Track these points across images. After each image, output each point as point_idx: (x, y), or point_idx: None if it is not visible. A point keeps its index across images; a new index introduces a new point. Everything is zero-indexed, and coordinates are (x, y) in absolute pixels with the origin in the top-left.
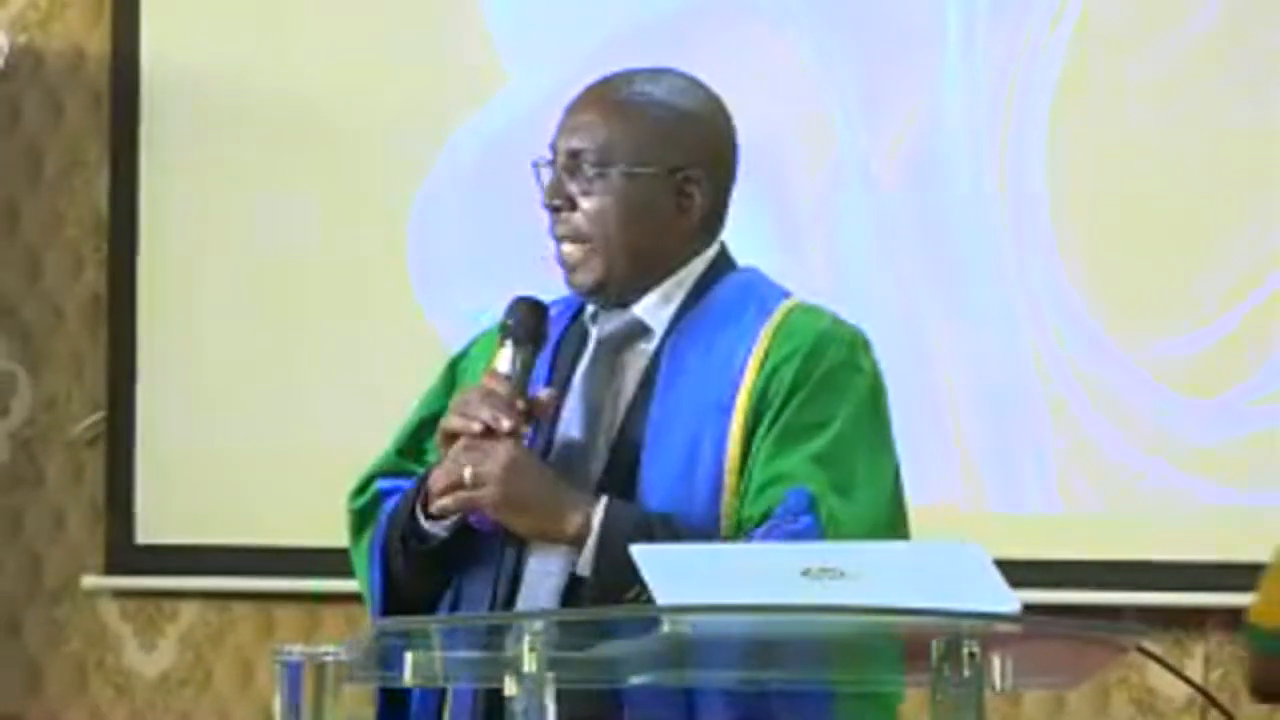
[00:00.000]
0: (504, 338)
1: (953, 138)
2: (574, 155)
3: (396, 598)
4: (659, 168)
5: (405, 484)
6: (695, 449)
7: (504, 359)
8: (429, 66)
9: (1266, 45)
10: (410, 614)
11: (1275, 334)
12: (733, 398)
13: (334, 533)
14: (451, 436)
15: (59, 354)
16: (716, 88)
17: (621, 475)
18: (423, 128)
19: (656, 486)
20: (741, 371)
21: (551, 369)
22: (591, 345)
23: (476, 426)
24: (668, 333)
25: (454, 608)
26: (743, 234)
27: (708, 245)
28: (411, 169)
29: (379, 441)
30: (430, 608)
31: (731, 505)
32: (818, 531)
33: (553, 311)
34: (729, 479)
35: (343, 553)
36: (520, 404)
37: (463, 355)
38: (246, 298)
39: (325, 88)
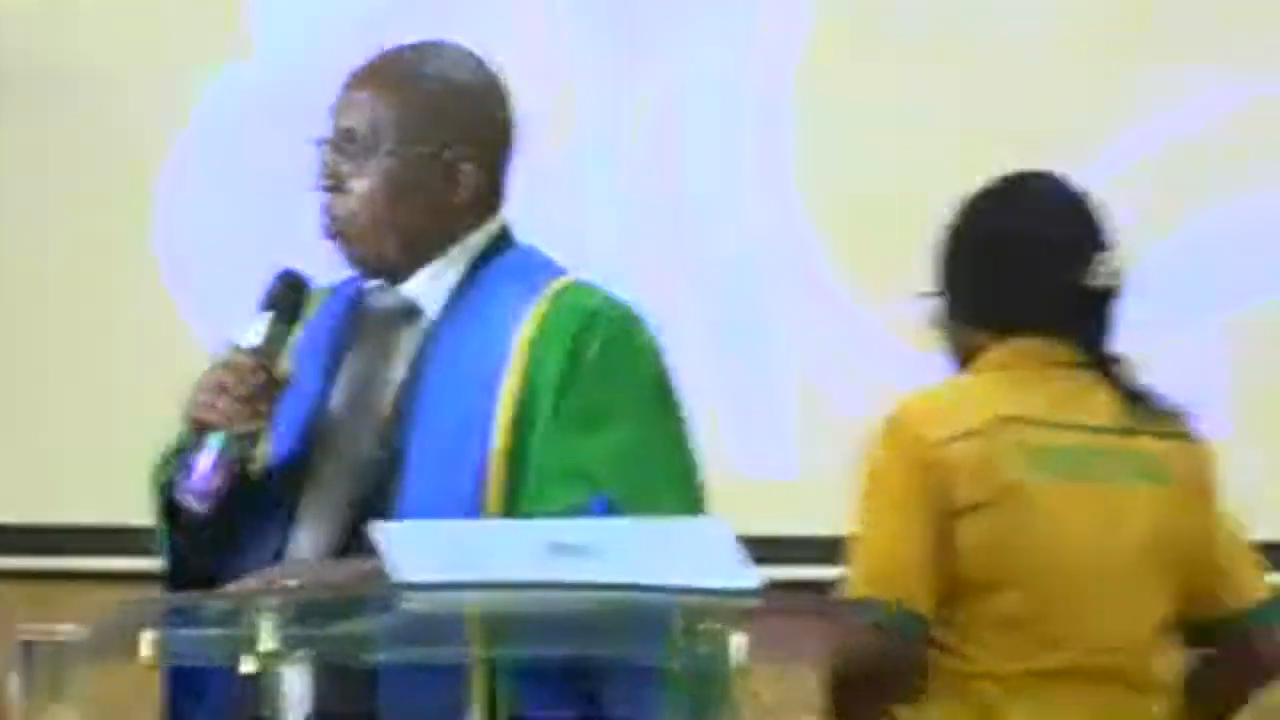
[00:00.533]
0: (263, 310)
1: (702, 107)
2: (346, 135)
3: (185, 574)
4: (427, 146)
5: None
6: (463, 431)
7: (254, 331)
8: (176, 34)
9: (1007, 26)
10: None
11: None
12: (499, 378)
13: (64, 511)
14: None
15: None
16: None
17: (389, 456)
18: (169, 98)
19: (423, 468)
20: (508, 351)
21: (331, 349)
22: (367, 332)
23: (214, 417)
24: (441, 312)
25: None
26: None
27: (483, 222)
28: (156, 140)
29: (115, 412)
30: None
31: (496, 490)
32: None
33: (322, 289)
34: (495, 462)
35: (79, 531)
36: (260, 377)
37: None
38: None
39: (67, 52)
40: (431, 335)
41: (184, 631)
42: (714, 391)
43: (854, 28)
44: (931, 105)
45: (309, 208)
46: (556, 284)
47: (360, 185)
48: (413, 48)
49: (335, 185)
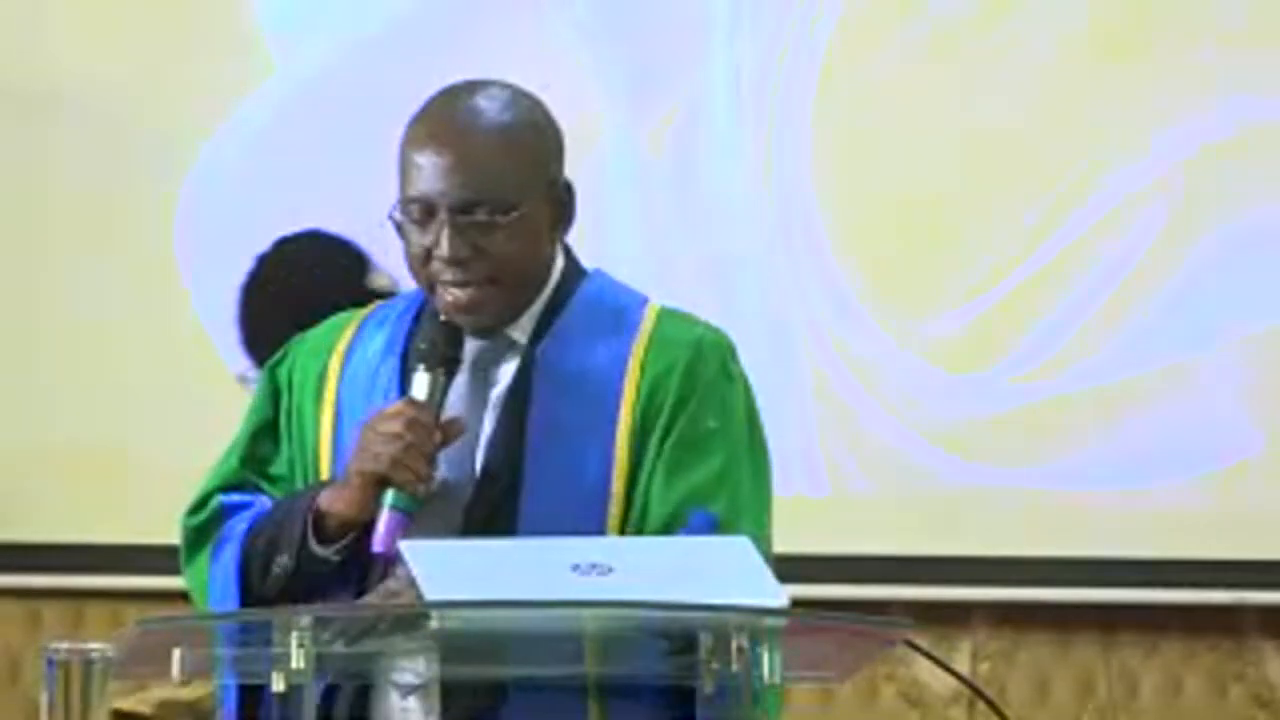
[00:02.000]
0: (418, 362)
1: (720, 123)
2: (473, 206)
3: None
4: (539, 190)
5: (251, 498)
6: (579, 462)
7: (419, 385)
8: (194, 57)
9: (1022, 31)
10: None
11: (1037, 311)
12: (615, 410)
13: (98, 528)
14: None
15: None
16: (483, 75)
17: (501, 489)
18: (188, 120)
19: (541, 491)
20: (620, 383)
21: (401, 380)
22: (466, 367)
23: (406, 477)
24: (532, 341)
25: None
26: None
27: (557, 244)
28: (177, 162)
29: (141, 437)
30: None
31: (616, 518)
32: None
33: (345, 318)
34: (616, 487)
35: (108, 549)
36: (439, 438)
37: (281, 361)
38: (7, 292)
39: (87, 78)
40: (530, 360)
41: (214, 650)
42: None
43: (871, 40)
44: (955, 122)
45: (325, 221)
46: (652, 311)
47: (498, 249)
48: (469, 97)
49: (472, 256)
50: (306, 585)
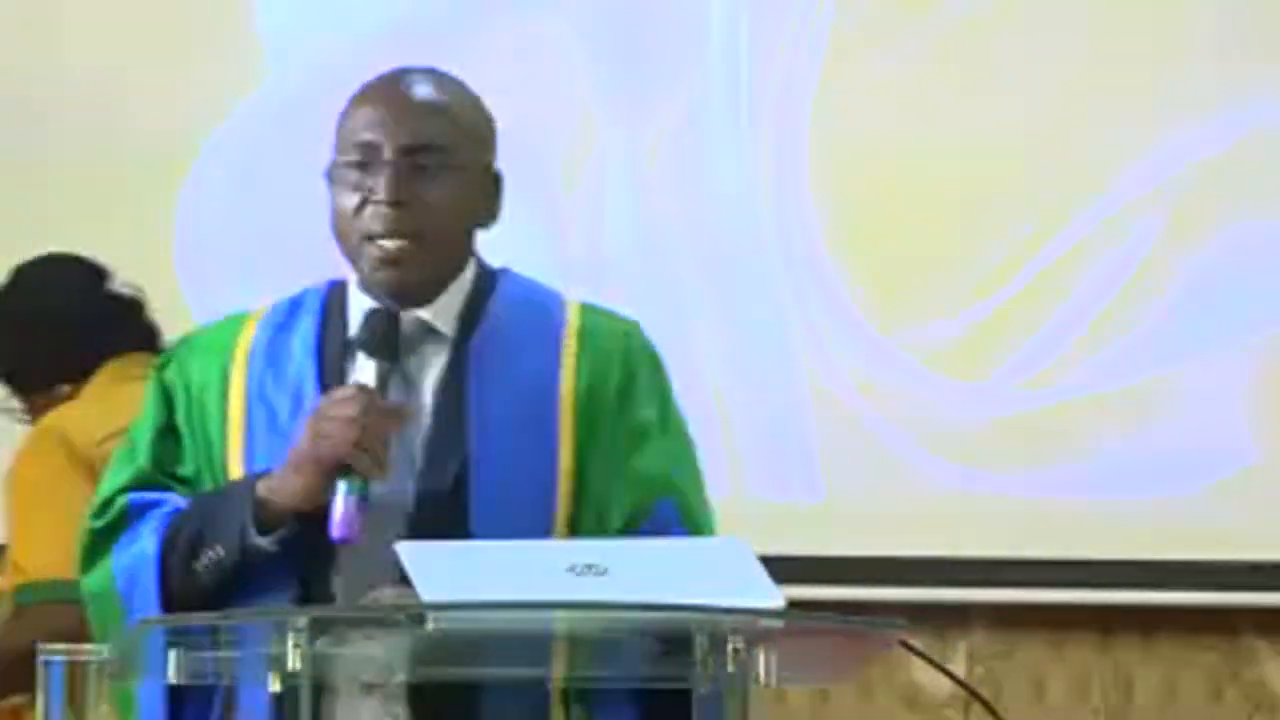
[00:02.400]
0: (359, 350)
1: (717, 131)
2: (420, 150)
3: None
4: (477, 163)
5: (161, 496)
6: (523, 462)
7: (366, 372)
8: (191, 59)
9: (1023, 35)
10: None
11: (1037, 317)
12: (553, 407)
13: None
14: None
15: None
16: (479, 82)
17: (447, 491)
18: (185, 122)
19: (489, 492)
20: (555, 379)
21: (329, 377)
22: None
23: (367, 465)
24: (462, 337)
25: None
26: (506, 232)
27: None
28: (174, 165)
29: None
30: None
31: (563, 519)
32: None
33: (245, 315)
34: (562, 486)
35: None
36: (396, 423)
37: (167, 365)
38: None
39: (84, 80)
40: (462, 356)
41: (209, 652)
42: (738, 416)
43: (870, 44)
44: (955, 129)
45: (324, 221)
46: (574, 306)
47: (438, 201)
48: (422, 70)
49: (408, 200)
50: (239, 578)
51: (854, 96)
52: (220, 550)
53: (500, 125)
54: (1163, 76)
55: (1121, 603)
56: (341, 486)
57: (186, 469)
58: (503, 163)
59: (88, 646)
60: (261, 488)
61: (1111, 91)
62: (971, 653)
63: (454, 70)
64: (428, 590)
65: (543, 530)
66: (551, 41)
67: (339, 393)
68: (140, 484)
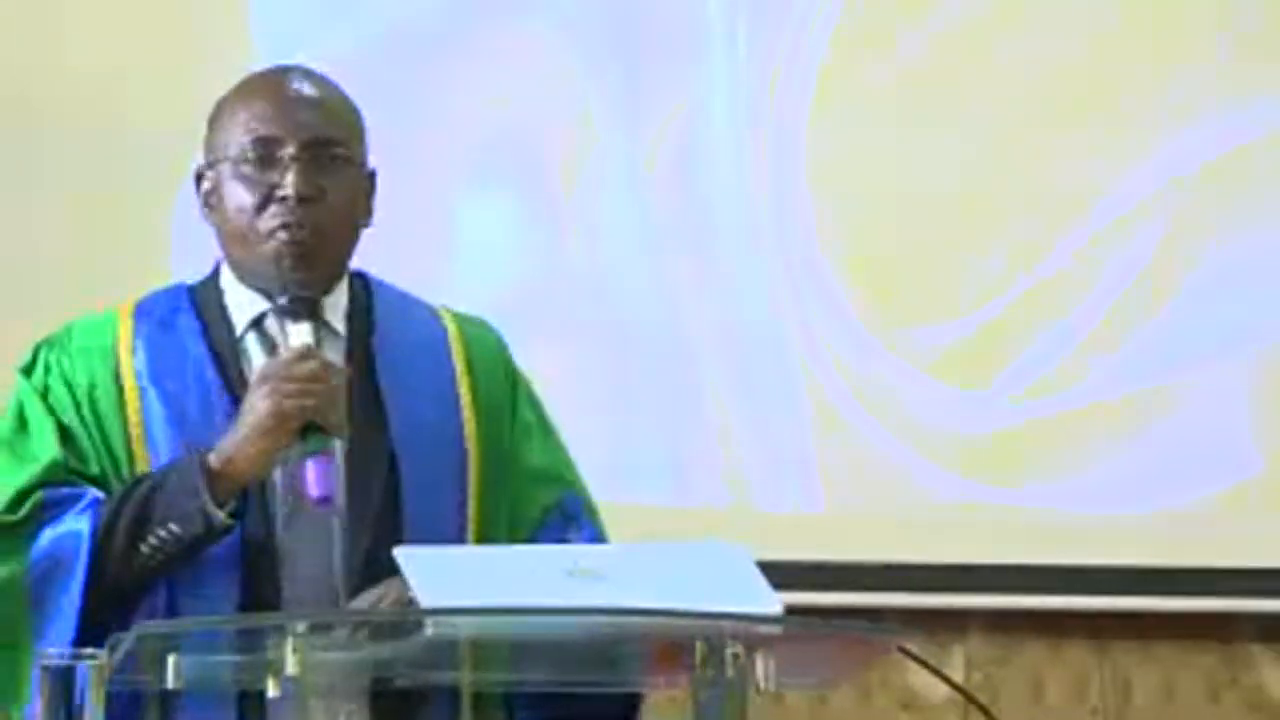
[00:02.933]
0: (284, 317)
1: (715, 136)
2: (322, 144)
3: (98, 598)
4: (362, 159)
5: (80, 490)
6: (442, 463)
7: (303, 334)
8: (185, 60)
9: (1023, 38)
10: (109, 614)
11: (1035, 327)
12: (456, 408)
13: None
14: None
15: None
16: (477, 86)
17: (383, 492)
18: (180, 123)
19: (420, 502)
20: (451, 381)
21: (229, 376)
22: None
23: (335, 421)
24: (355, 336)
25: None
26: (503, 231)
27: None
28: (170, 165)
29: None
30: (130, 612)
31: (475, 519)
32: (602, 538)
33: (105, 316)
34: (473, 487)
35: None
36: (344, 380)
37: (33, 366)
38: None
39: (79, 80)
40: (367, 354)
41: (208, 657)
42: (737, 426)
43: (868, 51)
44: (954, 135)
45: None
46: (443, 310)
47: (338, 197)
48: (301, 66)
49: (316, 195)
50: (187, 556)
51: (852, 101)
52: (175, 528)
53: (499, 127)
54: (1162, 83)
55: (1119, 609)
56: (309, 445)
57: (91, 468)
58: (502, 164)
59: (87, 651)
60: (214, 460)
61: (1111, 98)
62: (969, 658)
63: (453, 72)
64: (427, 595)
65: (459, 529)
66: (550, 44)
67: (291, 354)
68: (53, 479)
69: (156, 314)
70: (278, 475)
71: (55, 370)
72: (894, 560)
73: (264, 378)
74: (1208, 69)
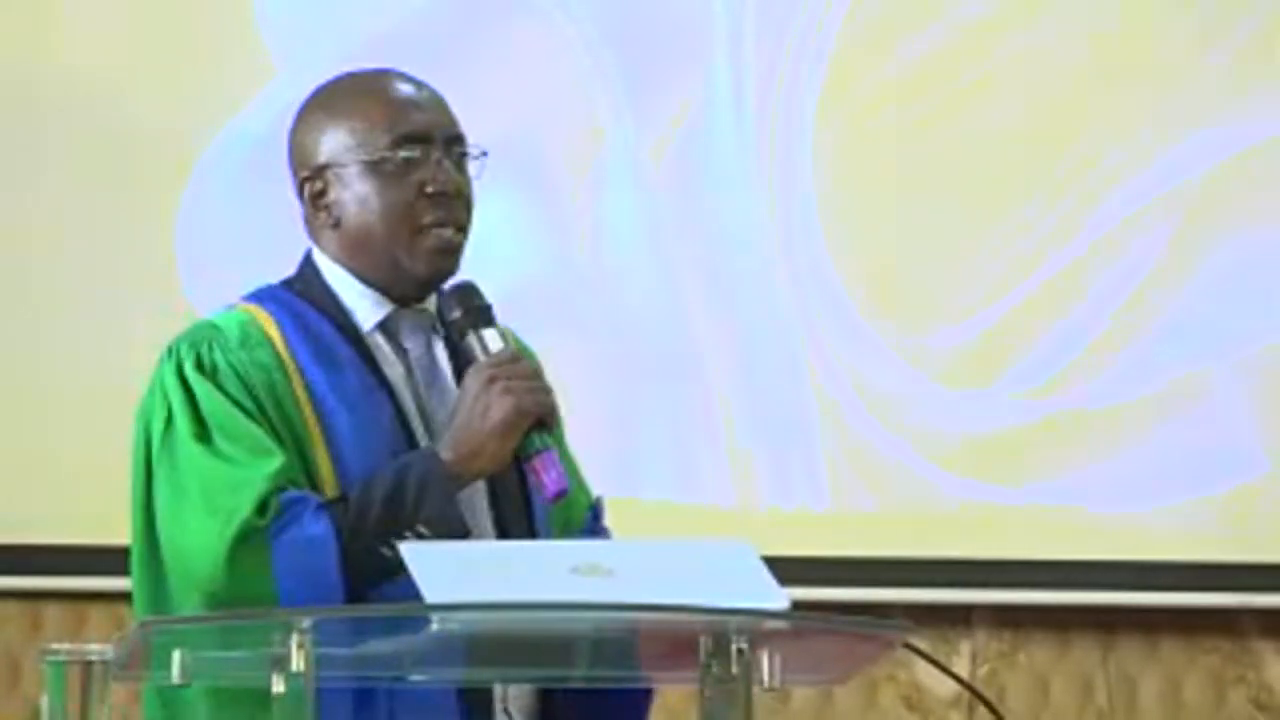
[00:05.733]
0: (469, 327)
1: (720, 136)
2: (459, 141)
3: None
4: None
5: (302, 493)
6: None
7: (495, 340)
8: (196, 61)
9: (1032, 34)
10: None
11: (1038, 327)
12: None
13: (101, 530)
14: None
15: None
16: (484, 84)
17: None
18: (190, 124)
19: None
20: None
21: (359, 356)
22: (385, 337)
23: (558, 415)
24: (449, 322)
25: None
26: (510, 233)
27: None
28: (179, 165)
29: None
30: None
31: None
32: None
33: (235, 315)
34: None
35: (109, 551)
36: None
37: (204, 360)
38: (8, 292)
39: (91, 81)
40: (465, 341)
41: (214, 652)
42: (742, 424)
43: (874, 50)
44: (961, 135)
45: None
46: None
47: (469, 190)
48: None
49: (466, 190)
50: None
51: (859, 99)
52: (425, 531)
53: (505, 126)
54: (1171, 83)
55: (1125, 604)
56: (535, 441)
57: (294, 467)
58: (509, 163)
59: (92, 646)
60: (451, 459)
61: (1117, 99)
62: (975, 654)
63: (460, 71)
64: (432, 591)
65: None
66: (557, 42)
67: (506, 354)
68: (283, 483)
69: (283, 309)
70: None
71: (226, 369)
72: (899, 555)
73: (491, 378)
74: (1215, 71)
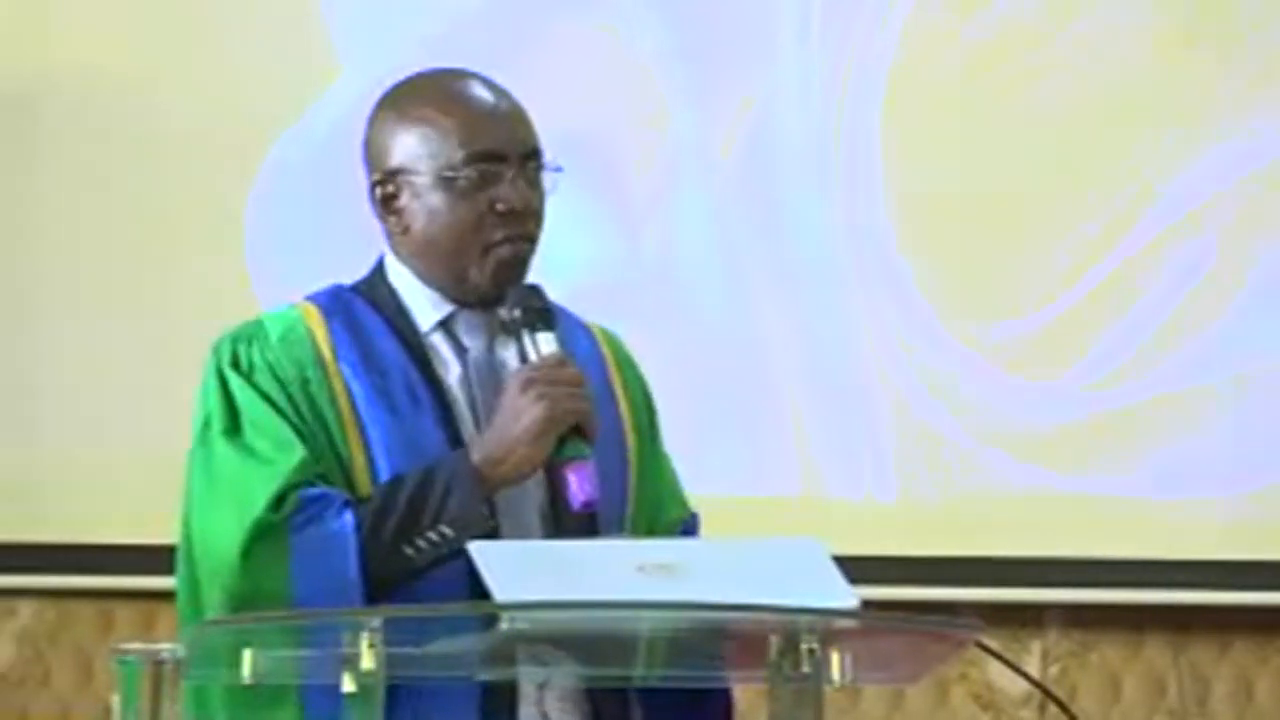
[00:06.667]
0: (530, 327)
1: (789, 126)
2: (534, 156)
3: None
4: None
5: (325, 490)
6: (610, 457)
7: (548, 343)
8: (263, 59)
9: (1096, 24)
10: None
11: (1107, 317)
12: (614, 406)
13: (172, 530)
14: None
15: None
16: (551, 77)
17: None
18: (258, 121)
19: (603, 484)
20: (605, 378)
21: (415, 361)
22: (502, 345)
23: (598, 423)
24: (531, 327)
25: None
26: (578, 228)
27: None
28: (247, 163)
29: None
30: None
31: (631, 516)
32: None
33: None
34: (632, 482)
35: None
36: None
37: (241, 361)
38: (80, 292)
39: (158, 80)
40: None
41: (285, 651)
42: (810, 415)
43: (939, 42)
44: (1024, 130)
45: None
46: (595, 328)
47: (540, 205)
48: (470, 70)
49: (536, 207)
50: (454, 558)
51: (924, 95)
52: (448, 531)
53: (571, 121)
54: (1231, 76)
55: (1197, 603)
56: (568, 450)
57: (321, 463)
58: (575, 159)
59: (163, 645)
60: (480, 462)
61: (1180, 92)
62: (1046, 653)
63: (525, 68)
64: (501, 590)
65: (620, 528)
66: (624, 38)
67: (551, 359)
68: (303, 478)
69: (338, 309)
70: None
71: (262, 365)
72: (970, 554)
73: (528, 382)
74: (1275, 59)
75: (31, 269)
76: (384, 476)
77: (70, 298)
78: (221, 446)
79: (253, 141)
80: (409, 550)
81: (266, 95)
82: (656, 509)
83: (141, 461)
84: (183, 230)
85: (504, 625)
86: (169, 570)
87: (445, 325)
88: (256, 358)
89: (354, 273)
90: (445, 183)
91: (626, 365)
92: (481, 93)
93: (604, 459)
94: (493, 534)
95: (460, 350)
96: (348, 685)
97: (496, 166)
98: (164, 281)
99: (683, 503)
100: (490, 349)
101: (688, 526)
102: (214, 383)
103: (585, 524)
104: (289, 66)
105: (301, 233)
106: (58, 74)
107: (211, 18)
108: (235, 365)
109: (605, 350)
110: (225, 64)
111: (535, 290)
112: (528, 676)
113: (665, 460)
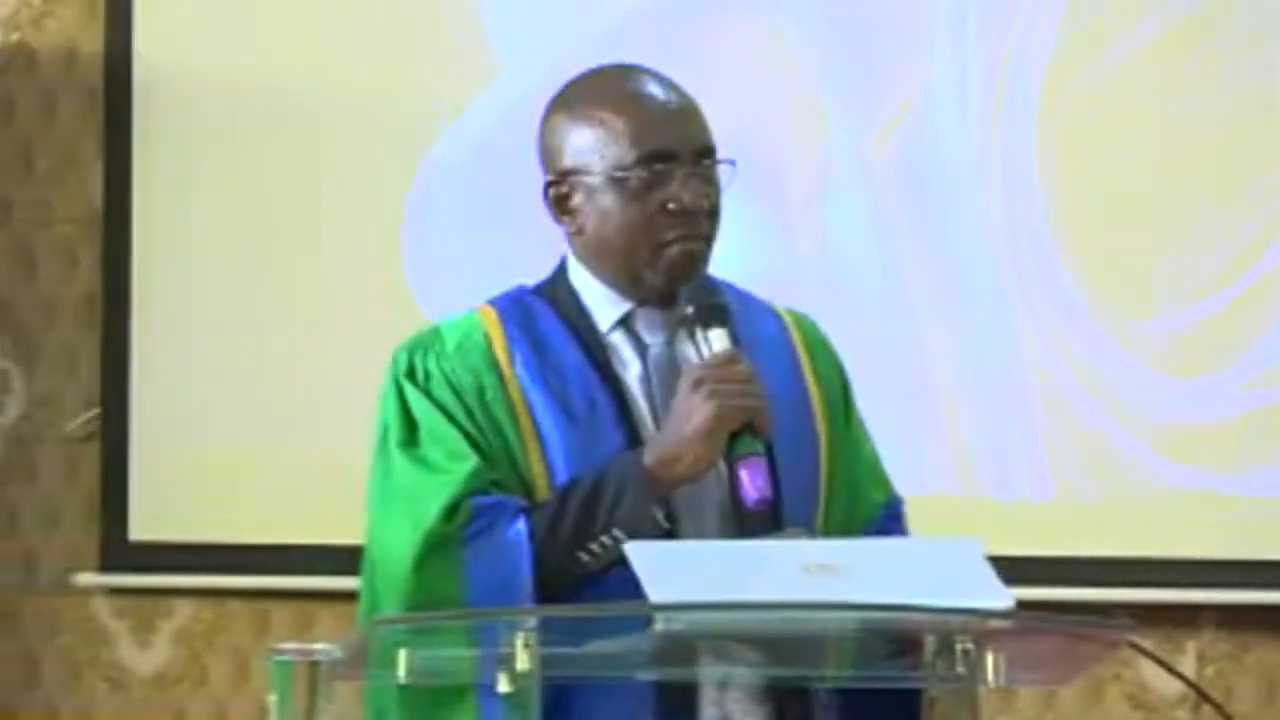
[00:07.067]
0: (696, 325)
1: (945, 126)
2: (708, 153)
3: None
4: None
5: (499, 498)
6: (798, 442)
7: (721, 339)
8: (422, 60)
9: (1254, 22)
10: None
11: (1267, 316)
12: (803, 390)
13: (329, 530)
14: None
15: (53, 351)
16: (709, 78)
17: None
18: (416, 122)
19: (788, 474)
20: (793, 361)
21: (601, 375)
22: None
23: (770, 420)
24: (704, 318)
25: None
26: (735, 225)
27: None
28: (405, 164)
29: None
30: None
31: (824, 500)
32: None
33: (466, 323)
34: (824, 466)
35: (337, 550)
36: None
37: (418, 370)
38: (241, 294)
39: (317, 83)
40: (733, 338)
41: (438, 651)
42: (965, 415)
43: (1096, 42)
44: (1180, 128)
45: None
46: (786, 314)
47: (715, 202)
48: (624, 65)
49: (707, 207)
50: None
51: (1080, 94)
52: (621, 535)
53: (729, 124)
54: None
55: None
56: (740, 447)
57: (496, 472)
58: (734, 156)
59: (319, 645)
60: (652, 463)
61: None
62: (1201, 654)
63: (682, 70)
64: (656, 591)
65: (810, 515)
66: (783, 37)
67: (722, 357)
68: (477, 487)
69: (517, 313)
70: None
71: (438, 375)
72: (1126, 555)
73: (699, 380)
74: None
75: (193, 274)
76: (562, 481)
77: (226, 297)
78: (398, 457)
79: (415, 140)
80: (583, 555)
81: (428, 95)
82: (854, 493)
83: (298, 464)
84: (341, 231)
85: (658, 625)
86: (325, 571)
87: (625, 323)
88: (433, 367)
89: (512, 272)
90: (616, 183)
91: (818, 347)
92: (653, 90)
93: (790, 449)
94: (667, 537)
95: (641, 348)
96: (503, 685)
97: (668, 166)
98: (325, 283)
99: (884, 485)
100: (670, 344)
101: (891, 511)
102: (391, 393)
103: (766, 519)
104: (449, 67)
105: (458, 234)
106: (214, 76)
107: (370, 20)
108: (411, 375)
109: (794, 335)
110: (388, 65)
111: (710, 286)
112: (682, 678)
113: (863, 443)
